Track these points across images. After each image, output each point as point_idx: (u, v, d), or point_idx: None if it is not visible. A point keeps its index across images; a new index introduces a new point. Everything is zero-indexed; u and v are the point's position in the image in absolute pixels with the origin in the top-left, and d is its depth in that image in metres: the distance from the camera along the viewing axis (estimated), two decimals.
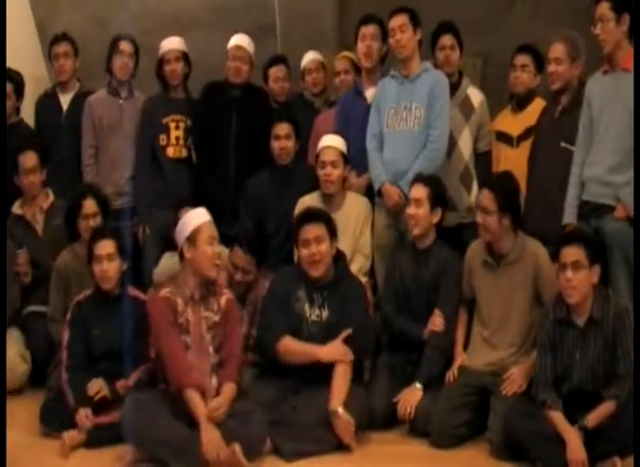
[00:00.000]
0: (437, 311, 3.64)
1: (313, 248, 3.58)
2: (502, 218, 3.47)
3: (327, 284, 3.64)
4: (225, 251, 3.99)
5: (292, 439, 3.31)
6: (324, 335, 3.58)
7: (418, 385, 3.54)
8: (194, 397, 3.19)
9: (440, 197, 3.74)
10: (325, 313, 3.62)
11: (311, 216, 3.66)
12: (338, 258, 3.72)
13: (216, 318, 3.40)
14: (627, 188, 3.47)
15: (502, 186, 3.54)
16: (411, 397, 3.50)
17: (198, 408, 3.18)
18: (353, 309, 3.60)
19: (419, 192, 3.70)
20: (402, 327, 3.76)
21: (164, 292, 3.36)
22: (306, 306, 3.63)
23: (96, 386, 3.46)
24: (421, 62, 4.06)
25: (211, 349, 3.38)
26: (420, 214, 3.68)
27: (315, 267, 3.59)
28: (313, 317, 3.62)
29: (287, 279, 3.71)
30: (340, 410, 3.32)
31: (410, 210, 3.70)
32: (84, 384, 3.47)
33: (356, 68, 4.54)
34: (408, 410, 3.47)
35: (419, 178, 3.76)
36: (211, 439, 3.10)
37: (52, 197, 4.33)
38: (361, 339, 3.57)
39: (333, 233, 3.65)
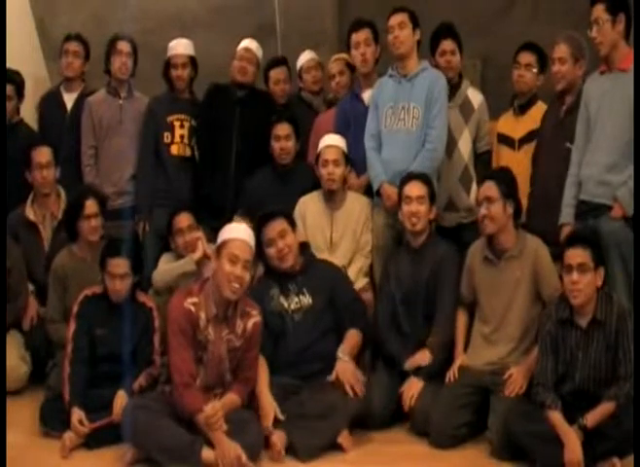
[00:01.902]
0: (425, 349, 3.62)
1: (280, 243, 3.61)
2: (506, 205, 3.51)
3: (298, 272, 3.67)
4: None
5: (305, 432, 3.29)
6: (310, 320, 3.61)
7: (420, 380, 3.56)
8: (202, 416, 3.15)
9: (434, 194, 3.81)
10: (306, 299, 3.64)
11: (268, 215, 3.67)
12: (302, 247, 3.75)
13: (238, 343, 3.32)
14: (624, 187, 3.48)
15: (502, 176, 3.61)
16: (413, 387, 3.53)
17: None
18: (343, 294, 3.67)
19: (421, 189, 3.73)
20: (390, 349, 3.73)
21: (189, 303, 3.26)
22: (282, 299, 3.65)
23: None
24: (419, 61, 4.06)
25: (227, 373, 3.34)
26: (423, 211, 3.72)
27: (285, 259, 3.62)
28: (293, 306, 3.64)
29: (258, 286, 3.70)
30: (344, 354, 3.42)
31: (413, 207, 3.71)
32: (83, 381, 3.48)
33: (351, 68, 4.55)
34: (410, 394, 3.49)
35: (416, 176, 3.78)
36: (228, 453, 3.09)
37: (64, 198, 4.28)
38: (362, 318, 3.65)
39: (292, 224, 3.70)
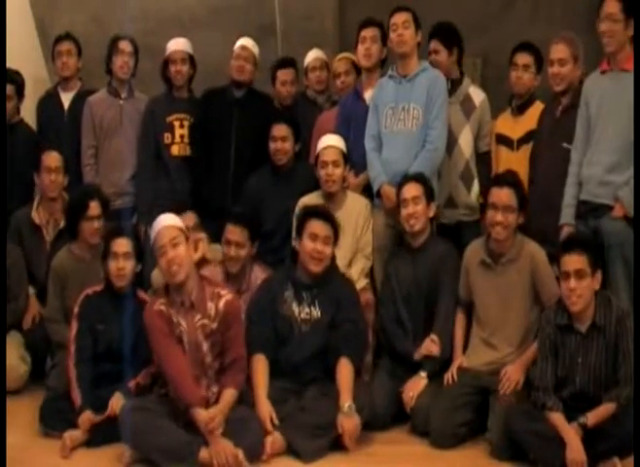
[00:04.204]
0: (432, 336, 3.63)
1: (319, 246, 3.58)
2: (519, 215, 3.51)
3: (316, 283, 3.63)
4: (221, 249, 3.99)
5: (306, 435, 3.30)
6: (316, 334, 3.58)
7: (422, 374, 3.57)
8: (201, 414, 3.18)
9: (431, 192, 3.80)
10: (316, 312, 3.61)
11: (324, 215, 3.66)
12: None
13: (213, 325, 3.31)
14: (626, 187, 3.48)
15: (519, 184, 3.59)
16: (416, 385, 3.55)
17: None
18: (346, 311, 3.59)
19: (415, 190, 3.74)
20: (397, 346, 3.75)
21: (158, 305, 3.32)
22: (294, 305, 3.62)
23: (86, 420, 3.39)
24: (419, 62, 4.06)
25: (209, 359, 3.32)
26: (420, 211, 3.72)
27: (316, 263, 3.59)
28: (303, 315, 3.61)
29: (273, 284, 3.70)
30: (351, 409, 3.31)
31: (409, 209, 3.71)
32: (90, 380, 3.48)
33: (357, 69, 4.55)
34: (411, 394, 3.51)
35: (410, 177, 3.79)
36: (223, 451, 3.12)
37: None
38: (355, 341, 3.57)
39: (337, 237, 3.67)
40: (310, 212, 3.68)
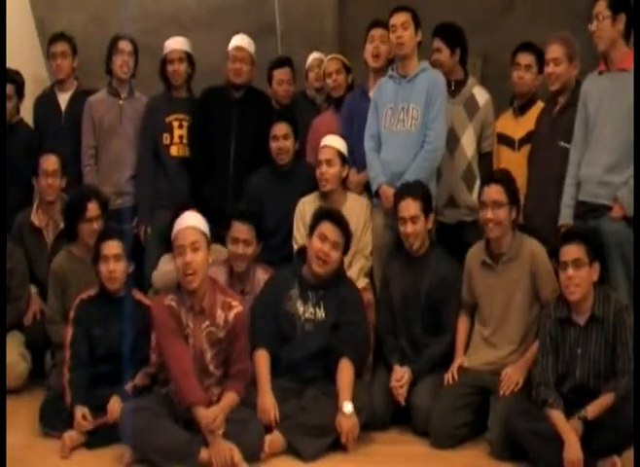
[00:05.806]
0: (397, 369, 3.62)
1: (326, 248, 3.59)
2: (511, 210, 3.50)
3: (323, 284, 3.64)
4: (223, 249, 3.99)
5: (308, 436, 3.31)
6: (318, 334, 3.59)
7: (403, 368, 3.59)
8: (203, 413, 3.18)
9: (429, 204, 3.74)
10: (320, 312, 3.62)
11: (340, 221, 3.67)
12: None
13: (221, 334, 3.30)
14: (625, 187, 3.48)
15: (508, 179, 3.58)
16: (402, 379, 3.55)
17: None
18: (350, 314, 3.60)
19: (414, 208, 3.67)
20: (385, 355, 3.76)
21: (168, 300, 3.31)
22: (299, 304, 3.63)
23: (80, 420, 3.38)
24: (419, 62, 4.05)
25: (212, 367, 3.33)
26: (418, 229, 3.68)
27: (321, 264, 3.60)
28: (307, 315, 3.62)
29: (279, 280, 3.72)
30: (350, 409, 3.32)
31: (408, 228, 3.67)
32: (84, 384, 3.48)
33: (347, 69, 4.56)
34: (400, 388, 3.53)
35: (409, 191, 3.71)
36: (222, 451, 3.12)
37: None
38: (357, 343, 3.58)
39: (347, 247, 3.69)
40: (327, 214, 3.69)
